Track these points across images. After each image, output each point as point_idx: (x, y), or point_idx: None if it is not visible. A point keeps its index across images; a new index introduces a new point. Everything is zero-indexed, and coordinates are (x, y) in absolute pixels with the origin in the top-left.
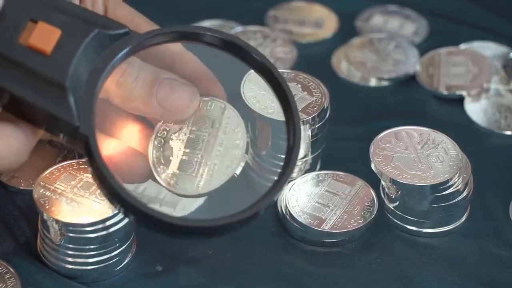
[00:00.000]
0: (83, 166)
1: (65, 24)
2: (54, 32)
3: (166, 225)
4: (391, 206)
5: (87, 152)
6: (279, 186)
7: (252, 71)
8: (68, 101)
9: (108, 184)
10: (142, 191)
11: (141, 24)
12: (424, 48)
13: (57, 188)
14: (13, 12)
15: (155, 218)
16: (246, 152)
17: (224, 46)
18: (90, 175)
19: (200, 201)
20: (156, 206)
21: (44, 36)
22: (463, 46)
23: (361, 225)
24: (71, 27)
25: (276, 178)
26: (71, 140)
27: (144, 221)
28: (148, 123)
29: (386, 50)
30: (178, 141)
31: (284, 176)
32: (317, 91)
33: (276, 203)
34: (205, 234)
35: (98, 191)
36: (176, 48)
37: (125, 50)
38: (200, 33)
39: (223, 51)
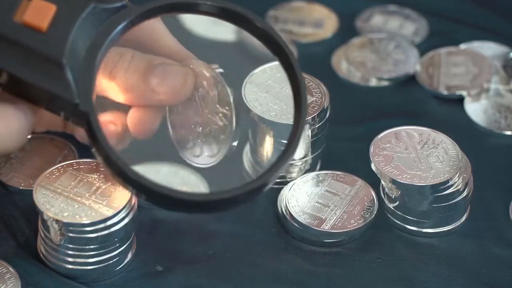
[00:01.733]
0: (82, 166)
1: None
2: (49, 8)
3: (173, 199)
4: (391, 206)
5: (89, 129)
6: (286, 156)
7: (254, 72)
8: (66, 78)
9: (112, 162)
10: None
11: None
12: (424, 48)
13: (57, 188)
14: None
15: (160, 192)
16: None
17: (223, 15)
18: (90, 175)
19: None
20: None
21: (39, 13)
22: (463, 46)
23: (361, 225)
24: (66, 2)
25: (283, 150)
26: (72, 118)
27: (152, 197)
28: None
29: (386, 50)
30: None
31: (292, 145)
32: (317, 91)
33: (276, 203)
34: (212, 207)
35: (98, 191)
36: (159, 29)
37: (123, 24)
38: (199, 3)
39: (223, 19)
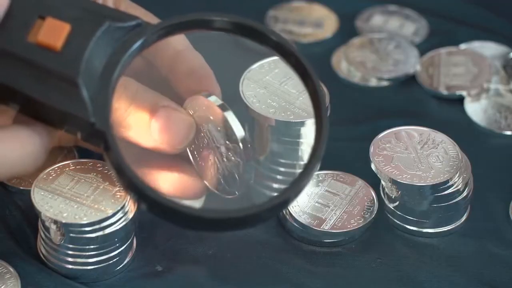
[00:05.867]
0: (79, 167)
1: (74, 18)
2: (63, 27)
3: (194, 219)
4: (391, 206)
5: (106, 148)
6: (309, 168)
7: (251, 68)
8: (81, 97)
9: (130, 181)
10: None
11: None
12: (424, 48)
13: (55, 188)
14: (21, 10)
15: (182, 213)
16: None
17: (239, 31)
18: (87, 175)
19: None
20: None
21: (53, 32)
22: (463, 46)
23: (361, 225)
24: (81, 21)
25: (305, 162)
26: (89, 137)
27: (170, 217)
28: None
29: (386, 50)
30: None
31: (315, 157)
32: None
33: None
34: (230, 226)
35: (97, 191)
36: (181, 46)
37: (140, 41)
38: (215, 20)
39: (239, 35)
